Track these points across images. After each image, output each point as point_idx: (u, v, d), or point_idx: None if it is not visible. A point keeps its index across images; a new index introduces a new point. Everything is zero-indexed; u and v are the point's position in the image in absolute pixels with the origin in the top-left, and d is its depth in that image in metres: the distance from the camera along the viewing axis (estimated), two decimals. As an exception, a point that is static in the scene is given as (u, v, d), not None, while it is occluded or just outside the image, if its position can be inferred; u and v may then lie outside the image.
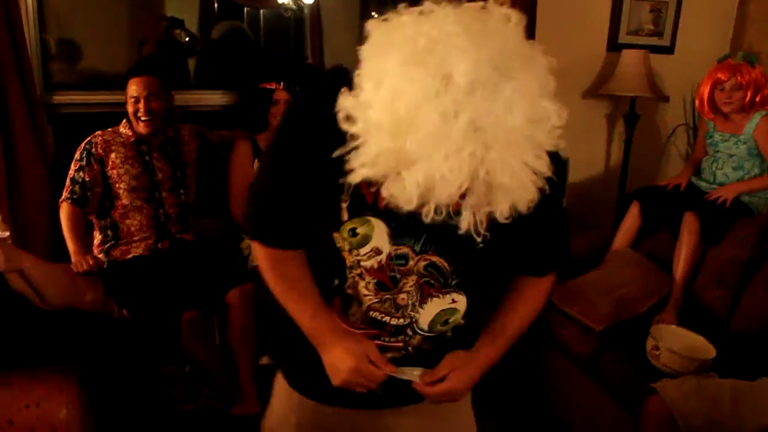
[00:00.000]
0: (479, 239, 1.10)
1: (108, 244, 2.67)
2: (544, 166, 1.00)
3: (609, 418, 2.45)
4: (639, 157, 3.84)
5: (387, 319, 1.24)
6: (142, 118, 2.69)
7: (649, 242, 3.07)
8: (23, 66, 2.65)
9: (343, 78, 1.08)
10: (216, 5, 3.73)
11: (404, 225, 1.16)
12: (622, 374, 2.41)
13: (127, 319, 2.54)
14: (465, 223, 1.07)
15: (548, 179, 1.02)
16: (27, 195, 2.71)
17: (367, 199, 1.16)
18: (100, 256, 2.66)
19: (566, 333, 2.70)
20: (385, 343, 1.26)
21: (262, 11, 3.82)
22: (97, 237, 2.71)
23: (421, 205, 1.00)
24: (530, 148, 0.99)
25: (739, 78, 2.87)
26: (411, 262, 1.20)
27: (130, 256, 2.65)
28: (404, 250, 1.19)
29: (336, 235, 1.20)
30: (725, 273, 2.70)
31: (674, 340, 2.35)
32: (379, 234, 1.18)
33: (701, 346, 2.33)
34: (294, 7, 3.67)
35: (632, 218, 3.08)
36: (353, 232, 1.18)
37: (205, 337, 2.58)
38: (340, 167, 1.05)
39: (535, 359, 2.94)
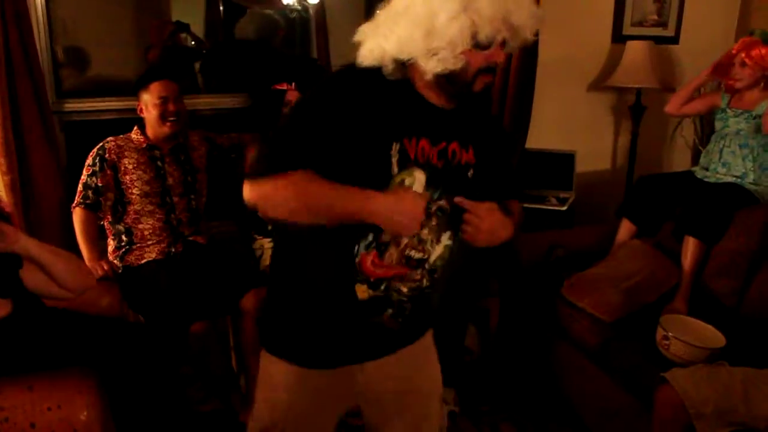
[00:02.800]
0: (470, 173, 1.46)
1: (122, 250, 2.69)
2: None
3: (621, 408, 2.47)
4: (646, 149, 3.85)
5: (413, 253, 1.44)
6: (170, 119, 2.71)
7: (656, 232, 3.07)
8: (35, 75, 2.69)
9: None
10: (222, 8, 3.74)
11: (433, 175, 1.40)
12: (633, 364, 2.42)
13: (141, 323, 2.57)
14: None
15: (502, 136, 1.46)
16: (41, 202, 2.76)
17: (410, 154, 1.37)
18: (116, 261, 2.69)
19: (577, 325, 2.72)
20: (412, 275, 1.46)
21: (270, 13, 3.83)
22: (111, 243, 2.74)
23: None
24: None
25: (744, 55, 2.87)
26: (432, 206, 1.42)
27: (144, 260, 2.67)
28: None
29: None
30: (734, 262, 2.70)
31: (684, 330, 2.35)
32: (418, 183, 1.38)
33: (711, 335, 2.34)
34: (299, 7, 3.69)
35: (624, 230, 3.08)
36: (402, 183, 1.37)
37: (216, 346, 2.59)
38: (389, 127, 1.34)
39: (546, 352, 2.96)
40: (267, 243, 2.94)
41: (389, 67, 1.35)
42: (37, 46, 2.75)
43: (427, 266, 1.46)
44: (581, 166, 3.64)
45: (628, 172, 3.78)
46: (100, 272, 2.53)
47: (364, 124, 1.32)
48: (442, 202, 1.43)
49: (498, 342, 3.11)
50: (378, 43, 1.35)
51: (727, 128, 3.01)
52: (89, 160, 2.67)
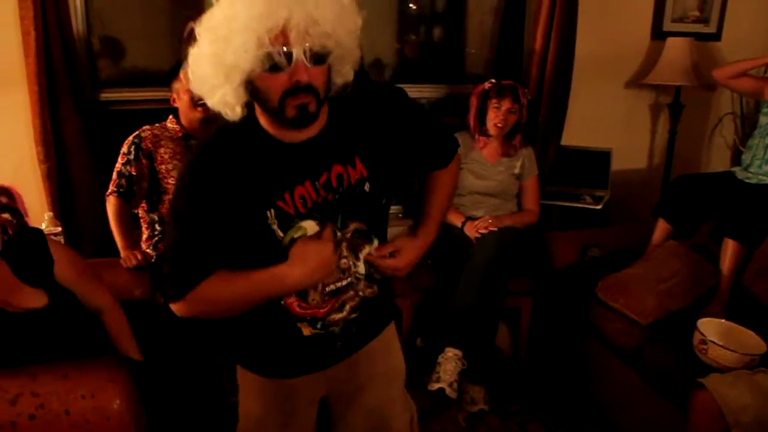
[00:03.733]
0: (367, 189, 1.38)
1: (156, 238, 2.70)
2: None
3: (655, 413, 2.43)
4: (684, 148, 3.78)
5: (339, 284, 1.43)
6: (200, 102, 2.68)
7: (693, 233, 3.01)
8: (73, 65, 2.71)
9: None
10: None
11: (327, 210, 1.36)
12: (669, 368, 2.38)
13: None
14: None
15: (395, 106, 1.42)
16: (77, 191, 2.79)
17: (290, 212, 1.32)
18: (149, 250, 2.70)
19: (611, 327, 2.68)
20: (344, 299, 1.45)
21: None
22: (145, 232, 2.75)
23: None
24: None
25: None
26: (339, 235, 1.39)
27: (178, 250, 2.68)
28: None
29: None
30: (775, 265, 2.65)
31: (722, 334, 2.30)
32: (311, 229, 1.35)
33: (750, 340, 2.28)
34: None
35: (660, 231, 3.03)
36: (292, 241, 1.33)
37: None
38: (258, 197, 1.29)
39: (578, 353, 2.92)
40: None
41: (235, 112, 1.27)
42: (75, 37, 2.77)
43: (357, 283, 1.47)
44: (617, 165, 3.58)
45: (665, 171, 3.72)
46: (134, 262, 2.53)
47: (233, 206, 1.28)
48: (353, 225, 1.41)
49: (529, 342, 3.08)
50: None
51: None
52: (124, 148, 2.66)
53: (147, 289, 2.48)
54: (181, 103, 2.72)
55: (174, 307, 1.33)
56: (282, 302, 1.40)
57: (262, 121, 1.30)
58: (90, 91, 2.97)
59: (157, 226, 2.72)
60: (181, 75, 2.69)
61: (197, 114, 2.70)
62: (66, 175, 2.79)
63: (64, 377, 1.69)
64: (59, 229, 2.61)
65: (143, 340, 2.04)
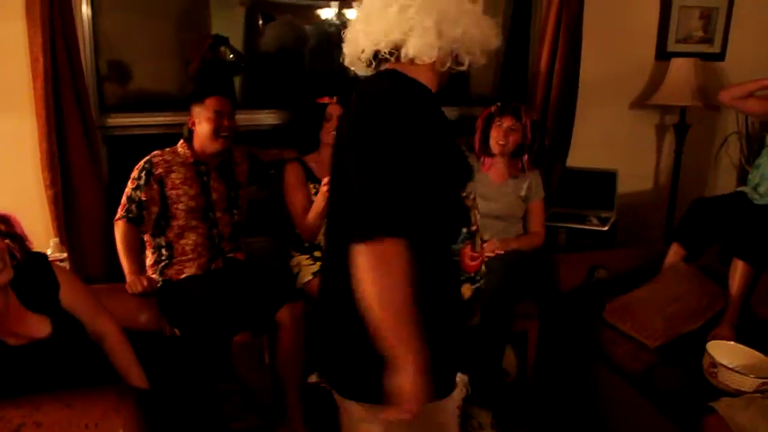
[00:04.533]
0: None
1: (162, 264, 2.70)
2: None
3: (665, 438, 2.39)
4: (690, 168, 3.77)
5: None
6: (223, 134, 2.72)
7: (702, 255, 2.99)
8: (80, 90, 2.73)
9: None
10: (261, 22, 3.77)
11: None
12: (678, 392, 2.34)
13: (179, 338, 2.57)
14: None
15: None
16: (83, 217, 2.79)
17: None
18: (155, 275, 2.69)
19: (619, 349, 2.65)
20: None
21: (306, 27, 3.85)
22: (150, 257, 2.75)
23: None
24: None
25: None
26: None
27: (183, 275, 2.68)
28: None
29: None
30: (784, 287, 2.62)
31: (732, 357, 2.28)
32: None
33: (761, 363, 2.26)
34: (337, 21, 3.70)
35: (673, 255, 3.00)
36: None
37: (256, 359, 2.59)
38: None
39: (585, 376, 2.89)
40: (304, 260, 2.94)
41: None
42: (83, 62, 2.79)
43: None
44: (623, 186, 3.57)
45: (671, 192, 3.70)
46: (140, 288, 2.51)
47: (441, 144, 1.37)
48: None
49: (536, 365, 3.05)
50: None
51: None
52: (135, 173, 2.67)
53: (153, 315, 2.47)
54: (201, 129, 2.73)
55: (365, 248, 1.22)
56: (456, 258, 1.45)
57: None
58: (97, 116, 2.98)
59: (163, 251, 2.72)
60: (207, 102, 2.70)
61: (217, 145, 2.71)
62: (72, 200, 2.80)
63: (68, 407, 1.68)
64: (65, 255, 2.62)
65: (149, 370, 2.03)
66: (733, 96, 3.09)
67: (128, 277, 2.57)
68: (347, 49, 1.46)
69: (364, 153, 1.26)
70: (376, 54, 1.39)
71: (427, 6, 1.31)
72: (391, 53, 1.36)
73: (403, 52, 1.35)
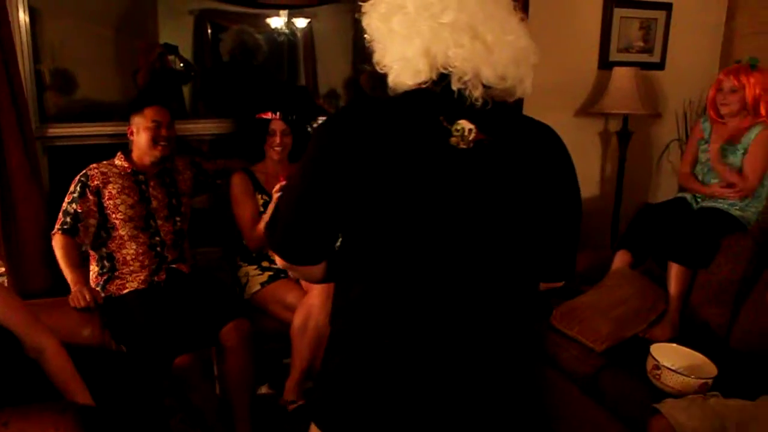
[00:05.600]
0: None
1: (105, 277, 2.66)
2: None
3: (612, 439, 2.43)
4: (633, 174, 3.86)
5: None
6: (161, 143, 2.71)
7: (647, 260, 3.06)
8: (18, 99, 2.64)
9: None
10: (210, 31, 3.73)
11: None
12: (625, 394, 2.40)
13: (124, 353, 2.52)
14: None
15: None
16: (23, 229, 2.70)
17: None
18: (98, 288, 2.64)
19: (566, 354, 2.69)
20: None
21: (258, 37, 3.82)
22: (94, 269, 2.70)
23: None
24: None
25: (734, 81, 2.87)
26: None
27: (126, 290, 2.63)
28: None
29: None
30: (722, 290, 2.70)
31: (675, 359, 2.33)
32: None
33: (702, 364, 2.32)
34: (287, 30, 3.68)
35: (620, 261, 3.06)
36: None
37: (199, 379, 2.54)
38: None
39: (535, 381, 2.92)
40: (252, 270, 2.91)
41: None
42: (21, 70, 2.71)
43: None
44: (569, 192, 3.62)
45: (616, 198, 3.78)
46: (83, 303, 2.44)
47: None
48: None
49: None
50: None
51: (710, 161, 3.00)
52: (71, 187, 2.66)
53: (96, 330, 2.41)
54: (140, 139, 2.71)
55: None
56: None
57: None
58: (37, 127, 2.90)
59: (105, 263, 2.67)
60: (146, 112, 2.67)
61: (155, 153, 2.69)
62: (11, 213, 2.70)
63: (4, 426, 1.63)
64: (2, 269, 2.54)
65: (94, 385, 1.97)
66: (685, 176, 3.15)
67: (73, 287, 2.51)
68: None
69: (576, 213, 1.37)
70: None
71: None
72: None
73: None
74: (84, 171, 2.68)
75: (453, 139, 1.15)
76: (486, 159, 1.17)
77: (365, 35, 1.24)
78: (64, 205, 2.64)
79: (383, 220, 1.16)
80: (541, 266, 1.30)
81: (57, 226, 2.62)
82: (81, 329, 2.38)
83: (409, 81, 1.19)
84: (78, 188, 2.64)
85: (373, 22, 1.22)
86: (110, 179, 2.68)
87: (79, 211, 2.61)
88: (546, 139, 1.26)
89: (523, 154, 1.21)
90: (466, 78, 1.15)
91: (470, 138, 1.16)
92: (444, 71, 1.16)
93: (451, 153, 1.15)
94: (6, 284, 2.64)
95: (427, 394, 1.19)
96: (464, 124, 1.16)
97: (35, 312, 1.98)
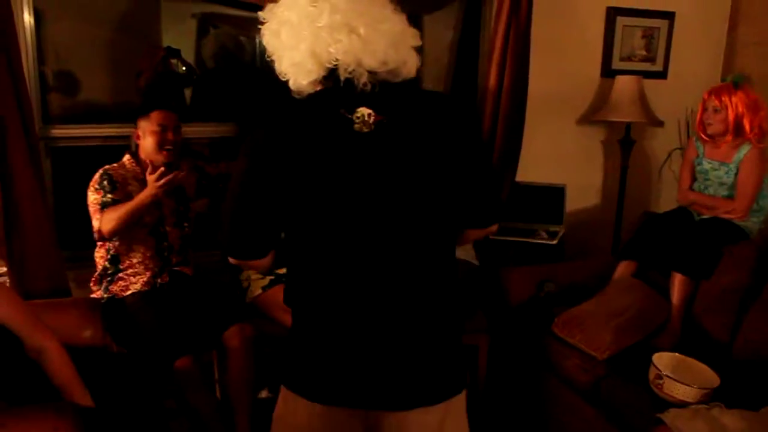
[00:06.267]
0: None
1: (108, 278, 2.64)
2: None
3: (613, 449, 2.42)
4: (635, 182, 3.86)
5: None
6: (167, 147, 2.67)
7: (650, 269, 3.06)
8: (22, 100, 2.64)
9: None
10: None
11: None
12: (626, 403, 2.39)
13: (125, 354, 2.51)
14: None
15: None
16: (26, 230, 2.69)
17: None
18: (98, 291, 2.63)
19: (568, 362, 2.68)
20: None
21: (258, 40, 3.82)
22: (99, 262, 2.68)
23: None
24: None
25: (716, 101, 2.88)
26: None
27: (129, 291, 2.61)
28: None
29: None
30: (725, 299, 2.69)
31: (678, 368, 2.33)
32: None
33: (705, 374, 2.32)
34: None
35: (623, 269, 3.05)
36: None
37: (199, 382, 2.53)
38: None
39: (536, 390, 2.91)
40: (254, 274, 2.89)
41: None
42: (25, 71, 2.71)
43: None
44: (571, 200, 3.63)
45: (618, 206, 3.78)
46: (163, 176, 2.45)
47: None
48: None
49: (487, 379, 3.06)
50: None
51: (708, 180, 3.01)
52: (95, 185, 2.58)
53: (97, 331, 2.40)
54: (146, 143, 2.69)
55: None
56: None
57: None
58: (40, 127, 2.90)
59: (110, 264, 2.65)
60: (153, 115, 2.65)
61: (160, 158, 2.66)
62: (14, 213, 2.69)
63: (3, 427, 1.61)
64: (4, 269, 2.53)
65: (95, 387, 1.97)
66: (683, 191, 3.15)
67: (150, 185, 2.48)
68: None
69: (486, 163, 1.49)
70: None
71: None
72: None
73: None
74: (101, 171, 2.62)
75: (356, 126, 1.32)
76: (388, 136, 1.32)
77: (266, 54, 1.41)
78: (97, 199, 2.55)
79: (309, 208, 1.34)
80: (466, 216, 1.45)
81: (96, 220, 2.53)
82: (81, 330, 2.37)
83: (304, 81, 1.35)
84: (106, 182, 2.57)
85: (268, 39, 1.38)
86: (129, 181, 2.66)
87: (117, 199, 2.54)
88: (440, 105, 1.39)
89: (419, 124, 1.35)
90: (350, 68, 1.31)
91: (370, 121, 1.32)
92: (330, 66, 1.32)
93: (357, 138, 1.31)
94: (8, 284, 2.63)
95: (359, 349, 1.38)
96: (363, 111, 1.32)
97: (36, 312, 1.97)
